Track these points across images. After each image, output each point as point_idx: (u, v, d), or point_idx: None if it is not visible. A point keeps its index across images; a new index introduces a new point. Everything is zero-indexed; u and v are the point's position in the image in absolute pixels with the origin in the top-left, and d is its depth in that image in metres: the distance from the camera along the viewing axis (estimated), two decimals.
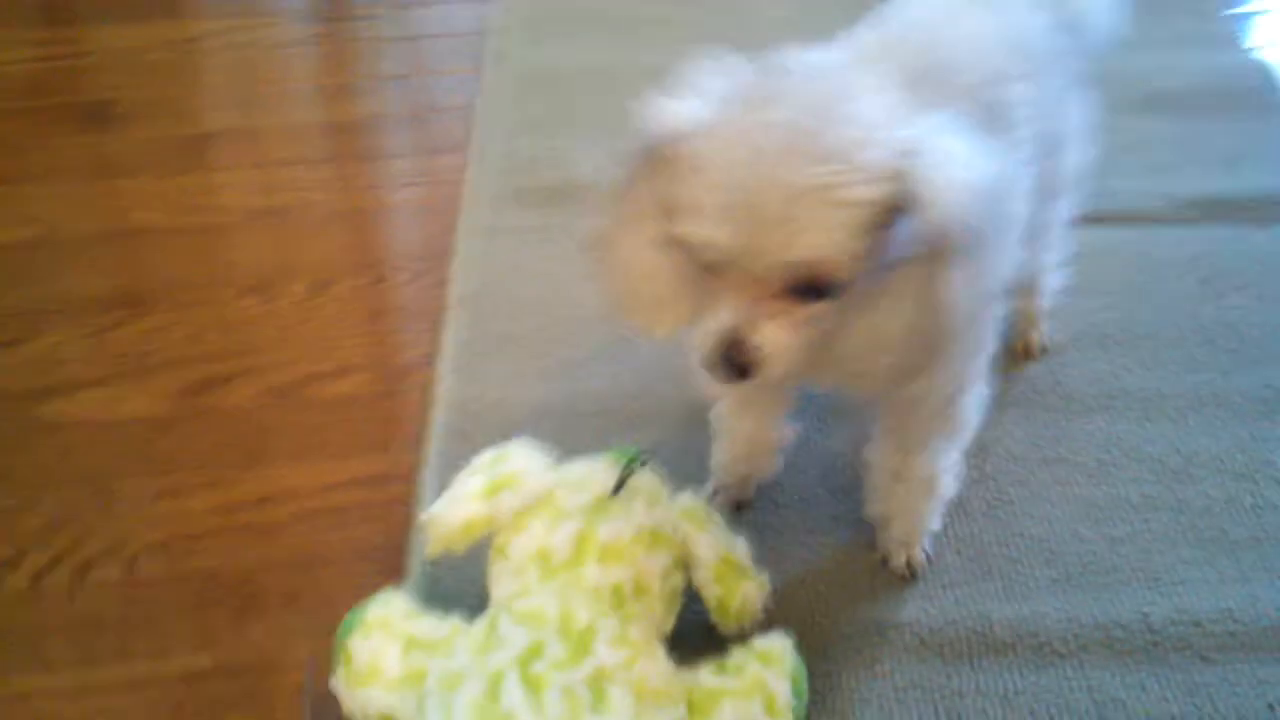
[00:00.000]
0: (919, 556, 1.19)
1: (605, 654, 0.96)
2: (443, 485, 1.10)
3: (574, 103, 1.85)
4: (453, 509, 1.07)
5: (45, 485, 1.32)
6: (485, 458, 1.11)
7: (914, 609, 1.16)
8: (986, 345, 1.04)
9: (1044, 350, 1.44)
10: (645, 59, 1.92)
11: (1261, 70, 1.95)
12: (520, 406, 1.38)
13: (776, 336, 0.83)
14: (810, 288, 0.81)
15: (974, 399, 1.08)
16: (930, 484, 1.14)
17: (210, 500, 1.31)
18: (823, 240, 0.78)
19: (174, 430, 1.39)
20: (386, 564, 1.22)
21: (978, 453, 1.31)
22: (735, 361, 0.84)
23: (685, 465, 1.29)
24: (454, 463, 1.13)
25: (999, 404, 1.37)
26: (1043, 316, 1.43)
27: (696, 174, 0.80)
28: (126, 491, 1.31)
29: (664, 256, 0.88)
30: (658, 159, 0.85)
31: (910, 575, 1.19)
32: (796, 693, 1.00)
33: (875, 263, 0.82)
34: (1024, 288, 1.38)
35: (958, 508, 1.24)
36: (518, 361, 1.43)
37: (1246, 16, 2.14)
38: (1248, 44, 2.03)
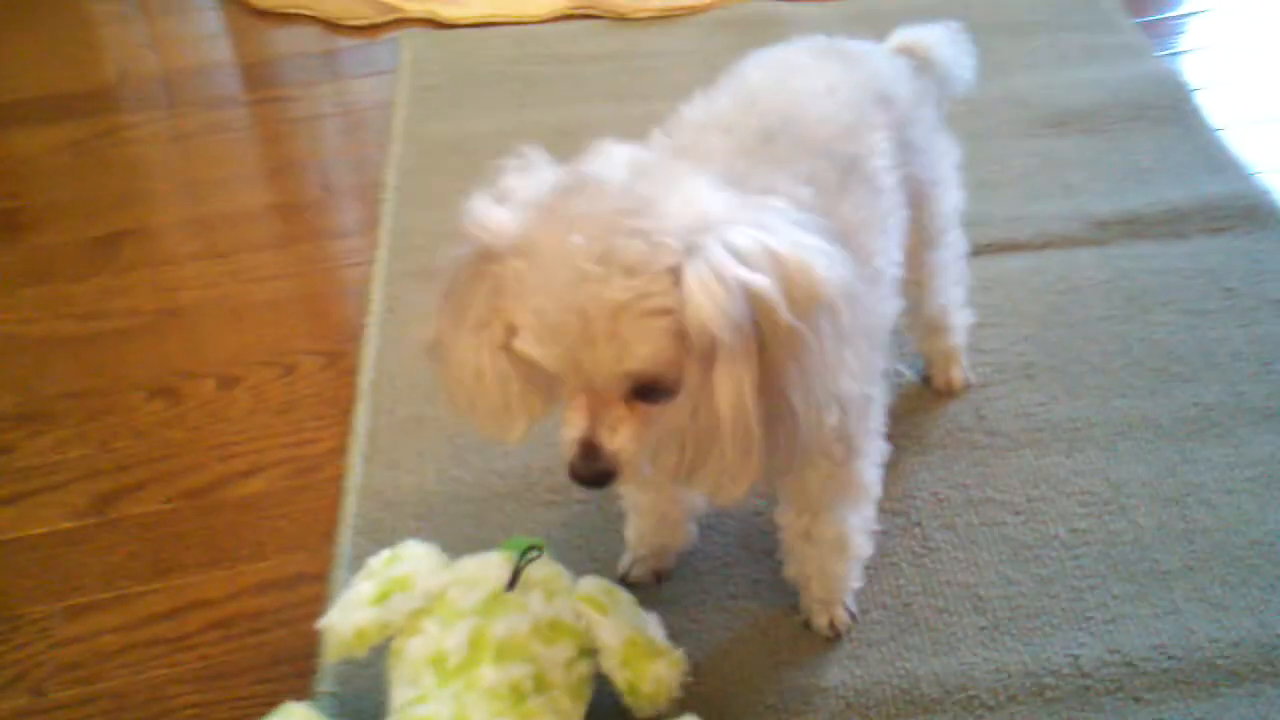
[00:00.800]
0: (842, 616, 1.16)
1: None
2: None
3: (475, 171, 1.82)
4: (345, 617, 1.04)
5: None
6: (378, 560, 1.08)
7: (839, 671, 1.13)
8: (871, 411, 1.02)
9: (967, 386, 1.42)
10: (550, 119, 1.93)
11: (1171, 79, 1.93)
12: (433, 492, 1.34)
13: (627, 439, 0.82)
14: (649, 388, 0.81)
15: (869, 463, 1.06)
16: (841, 544, 1.10)
17: (120, 616, 1.27)
18: (649, 351, 0.77)
19: (83, 545, 1.35)
20: (303, 668, 1.18)
21: (902, 498, 1.29)
22: (594, 468, 0.83)
23: (605, 540, 1.26)
24: (369, 556, 1.10)
25: (922, 446, 1.35)
26: (960, 352, 1.40)
27: (518, 294, 0.80)
28: (30, 615, 1.27)
29: (506, 363, 0.86)
30: (487, 269, 0.83)
31: (835, 635, 1.16)
32: None
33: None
34: (933, 328, 1.36)
35: (882, 559, 1.22)
36: (430, 444, 1.40)
37: (1156, 23, 2.13)
38: (1158, 53, 2.01)
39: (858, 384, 0.89)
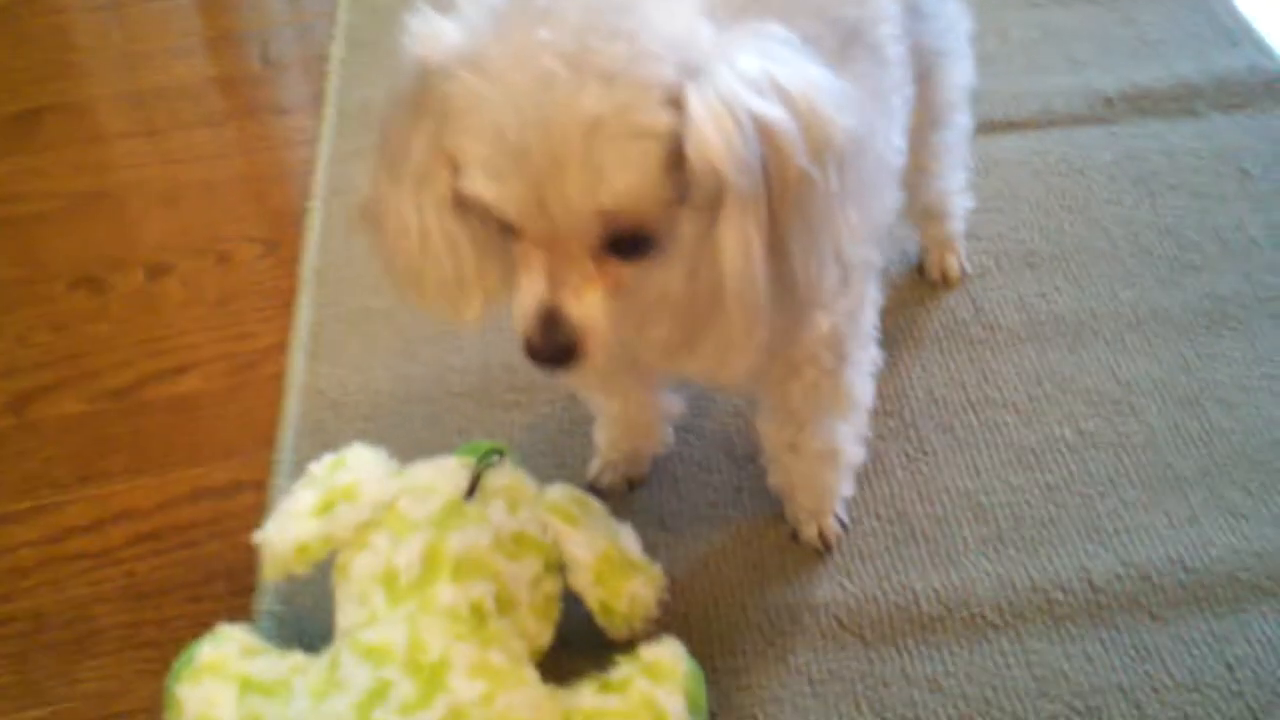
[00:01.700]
0: (831, 526, 1.07)
1: (461, 689, 0.83)
2: None
3: None
4: (284, 529, 0.94)
5: None
6: (320, 466, 0.98)
7: (830, 587, 1.04)
8: (864, 312, 0.92)
9: (964, 275, 1.31)
10: None
11: None
12: (383, 392, 1.24)
13: (596, 307, 0.69)
14: (628, 241, 0.68)
15: (860, 372, 0.96)
16: (830, 454, 1.02)
17: (38, 529, 1.17)
18: (628, 182, 0.65)
19: None
20: (240, 585, 1.08)
21: (895, 398, 1.20)
22: (555, 343, 0.69)
23: (572, 443, 1.16)
24: (311, 461, 0.99)
25: (916, 340, 1.25)
26: (958, 240, 1.30)
27: (469, 115, 0.66)
28: None
29: (455, 222, 0.72)
30: (430, 97, 0.70)
31: (824, 548, 1.07)
32: (694, 708, 0.88)
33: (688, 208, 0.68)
34: (931, 214, 1.25)
35: (875, 464, 1.13)
36: (379, 340, 1.29)
37: None
38: None
39: (860, 250, 0.79)
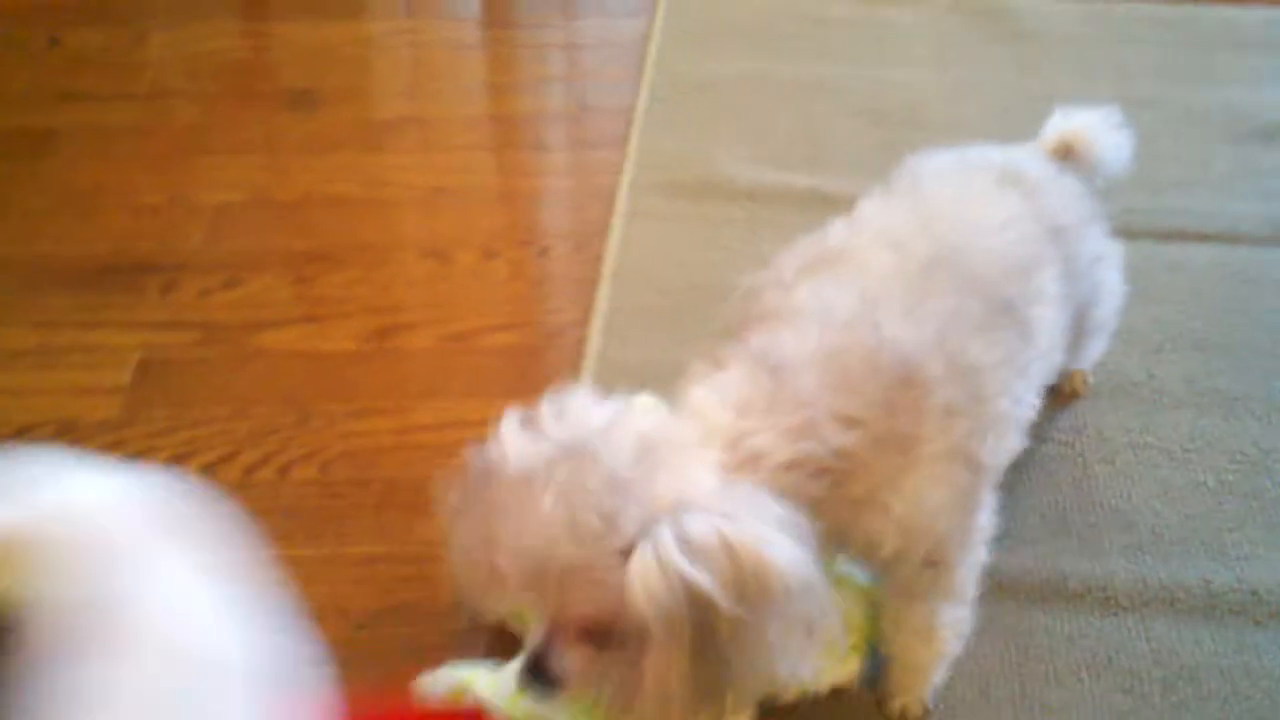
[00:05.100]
0: (914, 707, 1.18)
1: None
2: None
3: (718, 108, 2.04)
4: None
5: (255, 400, 1.56)
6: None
7: (996, 559, 1.29)
8: (974, 539, 1.07)
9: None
10: (782, 71, 2.13)
11: None
12: (659, 367, 1.55)
13: (570, 667, 0.88)
14: (598, 634, 0.85)
15: (965, 569, 1.08)
16: (926, 635, 1.12)
17: (393, 422, 1.53)
18: (588, 611, 0.83)
19: (363, 365, 1.61)
20: None
21: (1069, 432, 1.45)
22: (540, 679, 0.89)
23: None
24: None
25: (1095, 392, 1.51)
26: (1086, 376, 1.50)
27: (494, 530, 0.86)
28: (322, 410, 1.54)
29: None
30: (484, 488, 0.89)
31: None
32: None
33: None
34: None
35: (1045, 479, 1.39)
36: (657, 330, 1.61)
37: None
38: None
39: (961, 518, 1.00)
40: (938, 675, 1.17)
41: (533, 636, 0.90)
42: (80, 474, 0.54)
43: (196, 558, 0.52)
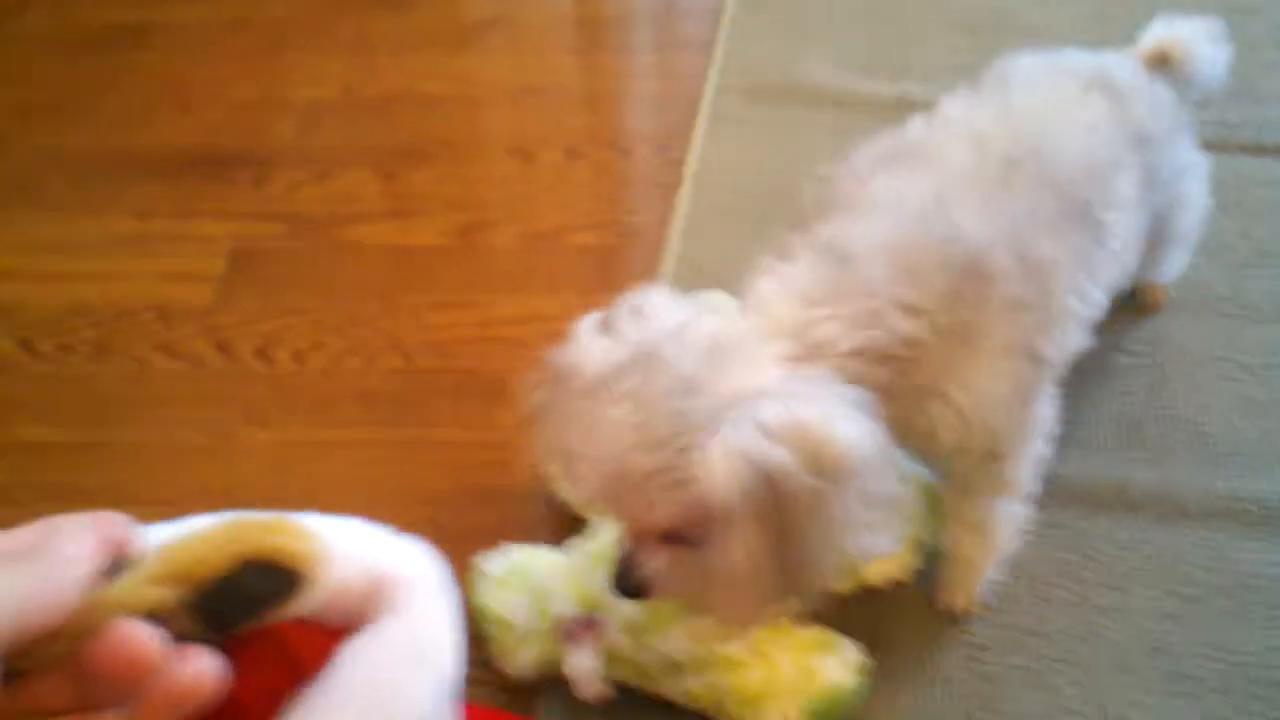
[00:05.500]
0: (964, 603, 1.19)
1: None
2: None
3: (805, 13, 2.01)
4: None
5: (342, 292, 1.61)
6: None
7: (1064, 466, 1.30)
8: (1033, 431, 1.07)
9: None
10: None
11: None
12: (737, 268, 1.57)
13: (657, 569, 0.91)
14: (680, 535, 0.88)
15: (1018, 464, 1.08)
16: (983, 529, 1.14)
17: (475, 315, 1.57)
18: (668, 513, 0.84)
19: (447, 259, 1.65)
20: None
21: (1148, 343, 1.44)
22: (629, 583, 0.92)
23: None
24: None
25: (1176, 305, 1.49)
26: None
27: (570, 439, 0.88)
28: (407, 302, 1.59)
29: None
30: (560, 392, 0.90)
31: (950, 616, 1.20)
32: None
33: None
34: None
35: (1119, 390, 1.39)
36: (737, 232, 1.62)
37: None
38: None
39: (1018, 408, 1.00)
40: (992, 572, 1.18)
41: (619, 544, 0.93)
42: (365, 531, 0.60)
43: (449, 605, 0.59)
